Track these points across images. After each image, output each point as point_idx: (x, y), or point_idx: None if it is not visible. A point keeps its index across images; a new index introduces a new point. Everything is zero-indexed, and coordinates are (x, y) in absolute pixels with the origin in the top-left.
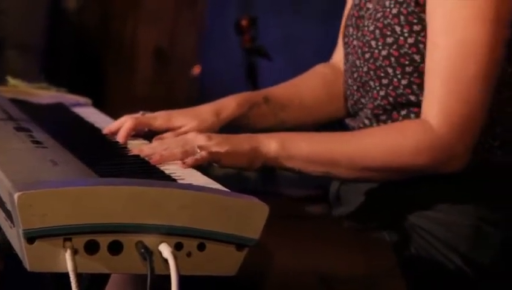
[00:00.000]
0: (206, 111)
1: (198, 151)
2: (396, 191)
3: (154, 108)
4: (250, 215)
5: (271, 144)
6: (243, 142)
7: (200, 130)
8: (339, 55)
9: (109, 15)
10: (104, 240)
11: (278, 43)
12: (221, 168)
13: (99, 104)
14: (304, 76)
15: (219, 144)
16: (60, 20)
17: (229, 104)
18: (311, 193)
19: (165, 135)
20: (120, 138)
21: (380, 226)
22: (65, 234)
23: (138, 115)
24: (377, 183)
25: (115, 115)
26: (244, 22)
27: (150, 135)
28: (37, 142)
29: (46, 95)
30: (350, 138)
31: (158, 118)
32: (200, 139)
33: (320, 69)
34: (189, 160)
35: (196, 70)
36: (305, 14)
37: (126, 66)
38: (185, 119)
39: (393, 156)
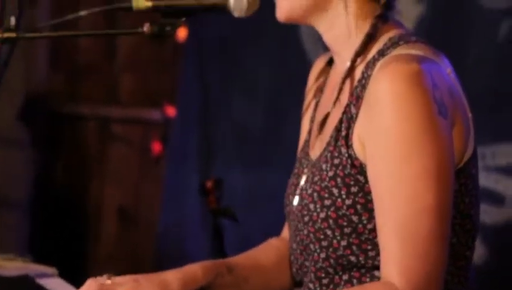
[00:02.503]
0: (173, 280)
1: None
2: None
3: (119, 268)
4: None
5: None
6: None
7: None
8: (287, 230)
9: (74, 177)
10: None
11: (243, 199)
12: None
13: (64, 265)
14: (260, 248)
15: None
16: None
17: (195, 273)
18: None
19: None
20: None
21: None
22: None
23: (103, 278)
24: None
25: (79, 277)
26: (209, 184)
27: None
28: None
29: (11, 266)
30: None
31: (124, 286)
32: None
33: (273, 242)
34: None
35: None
36: (272, 166)
37: (90, 226)
38: (151, 287)
39: None
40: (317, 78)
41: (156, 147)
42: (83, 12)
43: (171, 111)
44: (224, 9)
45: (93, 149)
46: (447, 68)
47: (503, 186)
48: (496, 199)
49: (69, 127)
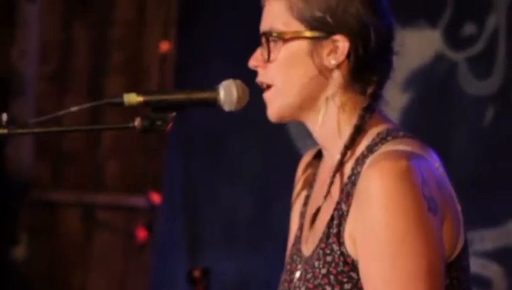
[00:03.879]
0: None
1: None
2: None
3: None
4: None
5: None
6: None
7: None
8: None
9: (57, 265)
10: None
11: (232, 288)
12: None
13: None
14: None
15: None
16: (6, 272)
17: None
18: None
19: None
20: None
21: None
22: None
23: None
24: None
25: None
26: (196, 273)
27: None
28: None
29: None
30: None
31: None
32: None
33: None
34: None
35: None
36: (260, 253)
37: None
38: None
39: None
40: (305, 171)
41: (141, 234)
42: (73, 108)
43: (156, 198)
44: (214, 104)
45: (78, 236)
46: (435, 163)
47: (491, 271)
48: (484, 284)
49: (53, 214)
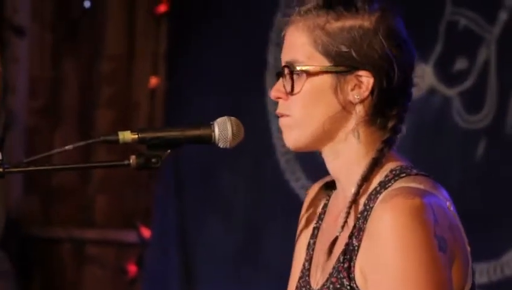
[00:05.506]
0: None
1: None
2: None
3: None
4: None
5: None
6: None
7: None
8: None
9: None
10: None
11: None
12: None
13: None
14: None
15: None
16: None
17: None
18: None
19: None
20: None
21: None
22: None
23: None
24: None
25: None
26: None
27: None
28: None
29: None
30: None
31: None
32: None
33: None
34: None
35: None
36: (253, 282)
37: None
38: None
39: None
40: (313, 202)
41: (132, 268)
42: (68, 147)
43: (146, 232)
44: (209, 141)
45: (68, 272)
46: (446, 202)
47: None
48: None
49: (44, 250)
